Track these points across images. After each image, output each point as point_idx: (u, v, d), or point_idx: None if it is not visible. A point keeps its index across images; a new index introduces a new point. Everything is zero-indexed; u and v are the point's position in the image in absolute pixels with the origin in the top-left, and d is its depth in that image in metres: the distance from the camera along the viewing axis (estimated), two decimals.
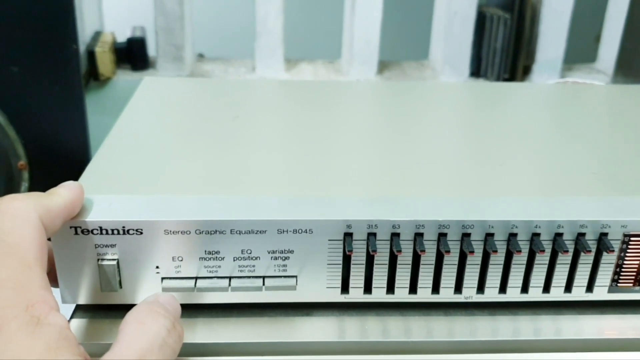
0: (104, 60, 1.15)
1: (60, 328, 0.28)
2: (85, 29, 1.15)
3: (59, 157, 0.82)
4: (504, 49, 1.20)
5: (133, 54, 1.22)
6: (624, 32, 1.21)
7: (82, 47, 1.11)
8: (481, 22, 1.22)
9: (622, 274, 0.39)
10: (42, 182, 0.81)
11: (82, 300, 0.38)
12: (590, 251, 0.37)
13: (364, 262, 0.38)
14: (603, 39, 1.29)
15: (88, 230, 0.35)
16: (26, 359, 0.26)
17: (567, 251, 0.37)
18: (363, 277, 0.38)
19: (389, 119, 0.56)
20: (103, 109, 1.11)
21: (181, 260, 0.37)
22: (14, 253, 0.30)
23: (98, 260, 0.36)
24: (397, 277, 0.38)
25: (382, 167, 0.44)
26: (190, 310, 0.38)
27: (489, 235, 0.37)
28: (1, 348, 0.26)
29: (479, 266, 0.38)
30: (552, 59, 1.24)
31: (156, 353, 0.31)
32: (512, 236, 0.37)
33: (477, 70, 1.25)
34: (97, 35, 1.22)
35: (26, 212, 0.32)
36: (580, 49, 1.34)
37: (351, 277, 0.38)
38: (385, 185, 0.41)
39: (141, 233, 0.36)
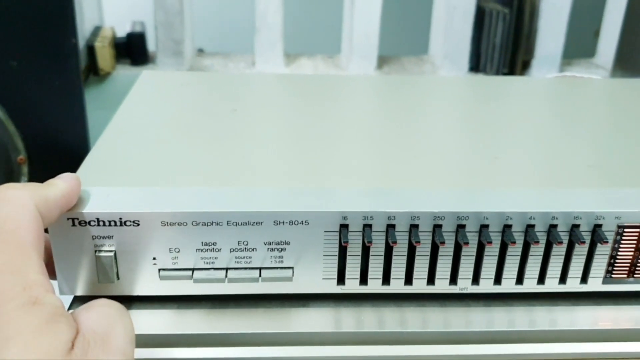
0: (104, 55, 1.15)
1: (56, 307, 0.29)
2: (84, 24, 1.15)
3: (58, 151, 0.83)
4: (503, 43, 1.20)
5: (133, 49, 1.22)
6: (623, 27, 1.21)
7: (82, 42, 1.11)
8: (480, 17, 1.22)
9: (616, 265, 0.39)
10: (41, 176, 0.81)
11: (79, 291, 0.38)
12: (584, 242, 0.38)
13: (360, 253, 0.38)
14: (602, 34, 1.29)
15: (85, 222, 0.36)
16: (24, 332, 0.27)
17: (561, 242, 0.37)
18: (359, 269, 0.38)
19: (386, 112, 0.56)
20: (102, 103, 1.11)
21: (178, 252, 0.37)
22: (11, 240, 0.30)
23: (95, 251, 0.36)
24: (392, 269, 0.38)
25: (378, 159, 0.45)
26: (187, 301, 0.39)
27: (484, 227, 0.37)
28: (1, 326, 0.27)
29: (474, 257, 0.38)
30: (551, 53, 1.24)
31: None
32: (507, 227, 0.37)
33: (477, 65, 1.25)
34: (96, 30, 1.22)
35: (23, 200, 0.32)
36: (580, 44, 1.33)
37: (347, 269, 0.38)
38: (381, 177, 0.42)
39: (138, 224, 0.36)
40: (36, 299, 0.28)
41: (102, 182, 0.38)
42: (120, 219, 0.36)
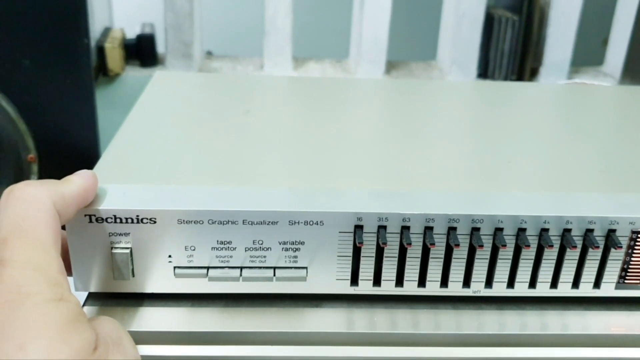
0: (114, 56, 1.15)
1: (79, 306, 0.29)
2: (95, 25, 1.15)
3: (68, 150, 0.83)
4: (511, 50, 1.21)
5: (142, 51, 1.23)
6: (631, 35, 1.21)
7: (92, 43, 1.12)
8: (489, 24, 1.22)
9: (629, 270, 0.39)
10: (51, 175, 0.82)
11: (95, 288, 0.38)
12: (598, 247, 0.38)
13: (374, 254, 0.38)
14: (611, 42, 1.29)
15: (102, 219, 0.36)
16: (52, 327, 0.27)
17: (575, 247, 0.38)
18: (372, 270, 0.38)
19: (399, 115, 0.56)
20: (112, 104, 1.12)
21: (193, 250, 0.37)
22: (31, 237, 0.30)
23: (111, 248, 0.37)
24: (406, 270, 0.38)
25: (392, 162, 0.45)
26: (202, 299, 0.39)
27: (498, 230, 0.37)
28: (27, 317, 0.27)
29: (487, 260, 0.38)
30: (559, 61, 1.24)
31: None
32: (521, 231, 0.37)
33: (485, 71, 1.25)
34: (106, 31, 1.22)
35: (40, 198, 0.32)
36: (588, 52, 1.34)
37: (361, 270, 0.38)
38: (396, 179, 0.42)
39: (154, 222, 0.36)
40: (62, 295, 0.29)
41: (119, 180, 0.39)
42: (137, 216, 0.36)
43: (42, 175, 0.83)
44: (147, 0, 1.36)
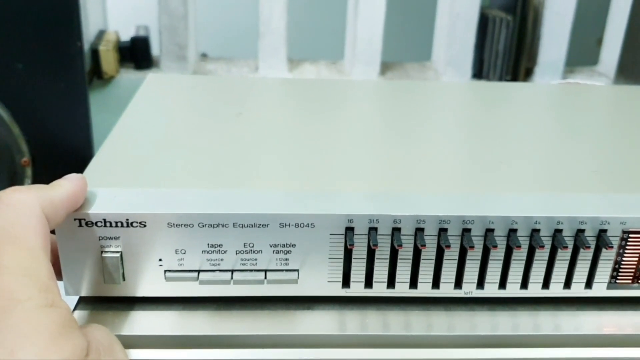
0: (108, 59, 1.15)
1: (69, 312, 0.29)
2: (89, 28, 1.15)
3: (62, 154, 0.83)
4: (506, 51, 1.21)
5: (137, 53, 1.23)
6: (625, 35, 1.22)
7: (86, 46, 1.12)
8: (483, 24, 1.22)
9: (620, 270, 0.39)
10: (45, 178, 0.82)
11: (85, 292, 0.38)
12: (589, 247, 0.38)
13: (365, 256, 0.38)
14: (605, 41, 1.29)
15: (92, 223, 0.36)
16: (43, 333, 0.27)
17: (566, 247, 0.38)
18: (364, 272, 0.38)
19: (391, 116, 0.56)
20: (106, 107, 1.11)
21: (184, 253, 0.37)
22: (20, 243, 0.30)
23: (101, 252, 0.37)
24: (397, 272, 0.38)
25: (383, 163, 0.45)
26: (193, 302, 0.39)
27: (489, 231, 0.37)
28: (18, 323, 0.27)
29: (479, 261, 0.38)
30: (554, 61, 1.24)
31: None
32: (512, 232, 0.37)
33: (479, 72, 1.25)
34: (101, 34, 1.22)
35: (29, 204, 0.32)
36: (582, 52, 1.34)
37: (352, 272, 0.38)
38: (386, 180, 0.42)
39: (144, 226, 0.36)
40: (53, 302, 0.29)
41: (108, 183, 0.39)
42: (127, 219, 0.36)
43: (36, 179, 0.83)
44: (142, 3, 1.36)
